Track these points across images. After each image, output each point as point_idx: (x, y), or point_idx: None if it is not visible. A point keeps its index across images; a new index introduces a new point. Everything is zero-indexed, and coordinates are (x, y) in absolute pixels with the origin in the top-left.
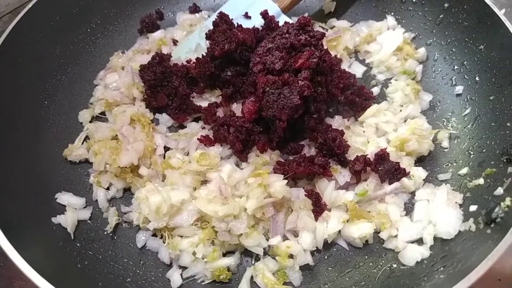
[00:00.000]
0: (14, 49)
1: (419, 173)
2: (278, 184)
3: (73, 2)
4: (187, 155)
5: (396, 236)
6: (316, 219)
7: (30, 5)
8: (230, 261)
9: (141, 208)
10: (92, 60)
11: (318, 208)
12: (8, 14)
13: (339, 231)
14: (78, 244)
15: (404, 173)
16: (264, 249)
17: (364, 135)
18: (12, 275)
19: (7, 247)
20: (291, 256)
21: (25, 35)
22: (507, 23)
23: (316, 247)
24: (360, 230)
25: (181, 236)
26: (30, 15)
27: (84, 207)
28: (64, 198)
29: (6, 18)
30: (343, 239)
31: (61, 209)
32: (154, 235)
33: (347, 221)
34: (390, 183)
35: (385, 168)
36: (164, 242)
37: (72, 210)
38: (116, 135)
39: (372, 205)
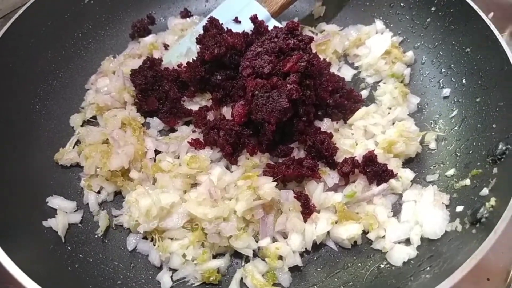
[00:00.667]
0: (5, 54)
1: (407, 174)
2: (267, 186)
3: (65, 7)
4: (178, 158)
5: (383, 236)
6: (305, 221)
7: (21, 11)
8: (220, 263)
9: (131, 211)
10: (84, 64)
11: (307, 210)
12: (0, 19)
13: (328, 232)
14: (69, 248)
15: (391, 175)
16: (253, 250)
17: (353, 138)
18: (2, 279)
19: None
20: (280, 258)
21: (17, 40)
22: (492, 27)
23: (305, 248)
24: (349, 231)
25: (171, 239)
26: (21, 20)
27: (75, 211)
28: (55, 201)
29: None
30: (332, 240)
31: (52, 212)
32: (145, 238)
33: (336, 223)
34: (378, 185)
35: (373, 170)
36: (154, 245)
37: (63, 213)
38: (107, 139)
39: (360, 207)
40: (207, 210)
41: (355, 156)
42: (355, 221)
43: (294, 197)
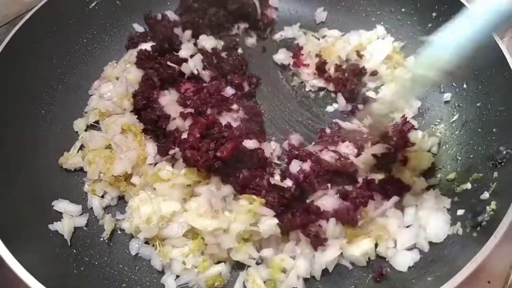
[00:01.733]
0: (11, 59)
1: (421, 183)
2: (268, 223)
3: (70, 13)
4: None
5: (393, 246)
6: (315, 249)
7: (27, 17)
8: (222, 268)
9: (133, 217)
10: (88, 69)
11: (318, 241)
12: (6, 25)
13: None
14: (74, 251)
15: (407, 188)
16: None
17: None
18: (9, 282)
19: (5, 254)
20: (284, 271)
21: (22, 46)
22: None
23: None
24: (361, 248)
25: (172, 246)
26: (27, 26)
27: (80, 214)
28: (60, 205)
29: (4, 29)
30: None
31: (58, 216)
32: (147, 242)
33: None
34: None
35: (391, 189)
36: (156, 250)
37: (68, 217)
38: (110, 144)
39: (372, 222)
40: (207, 222)
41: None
42: (365, 236)
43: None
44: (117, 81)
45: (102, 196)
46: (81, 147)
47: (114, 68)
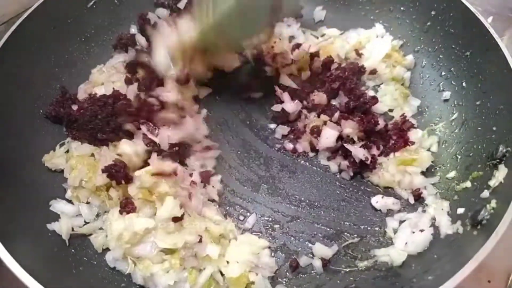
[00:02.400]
0: (9, 58)
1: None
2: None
3: (68, 12)
4: None
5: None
6: None
7: (24, 16)
8: (210, 270)
9: (105, 232)
10: (86, 69)
11: None
12: (4, 24)
13: None
14: (73, 250)
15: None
16: None
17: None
18: (8, 283)
19: (3, 254)
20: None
21: (20, 45)
22: (491, 30)
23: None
24: None
25: (151, 261)
26: (25, 25)
27: (77, 215)
28: (57, 206)
29: (2, 28)
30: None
31: (56, 215)
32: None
33: None
34: None
35: None
36: (134, 265)
37: (66, 217)
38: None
39: None
40: (176, 240)
41: None
42: None
43: None
44: (102, 87)
45: (88, 203)
46: (68, 150)
47: (102, 73)
